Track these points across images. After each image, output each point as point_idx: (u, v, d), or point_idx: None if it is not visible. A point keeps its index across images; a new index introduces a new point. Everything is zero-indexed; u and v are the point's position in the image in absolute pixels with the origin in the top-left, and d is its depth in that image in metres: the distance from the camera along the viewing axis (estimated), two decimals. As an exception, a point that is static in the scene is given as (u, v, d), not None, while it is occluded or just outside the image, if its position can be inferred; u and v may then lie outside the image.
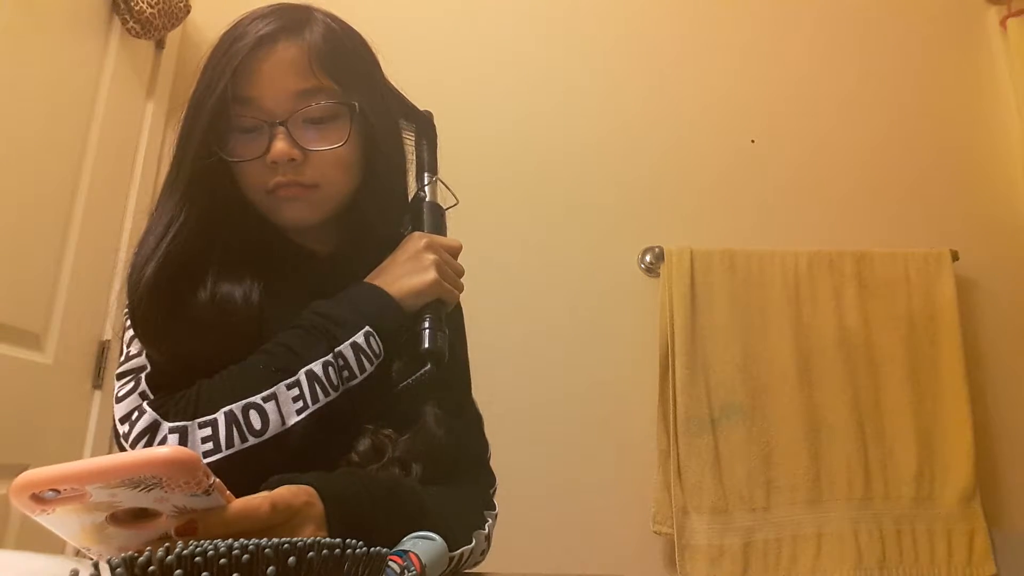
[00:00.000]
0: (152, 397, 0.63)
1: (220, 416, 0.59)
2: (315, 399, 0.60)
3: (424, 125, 0.81)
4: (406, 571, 0.53)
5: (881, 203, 1.81)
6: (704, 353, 1.62)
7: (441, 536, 0.55)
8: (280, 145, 0.66)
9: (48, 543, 1.41)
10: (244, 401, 0.59)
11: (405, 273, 0.68)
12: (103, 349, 1.56)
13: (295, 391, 0.59)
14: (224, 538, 0.41)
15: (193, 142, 0.67)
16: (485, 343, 1.72)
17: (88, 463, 0.39)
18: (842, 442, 1.58)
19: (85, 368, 1.52)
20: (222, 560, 0.42)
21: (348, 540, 0.47)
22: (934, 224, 1.79)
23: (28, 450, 1.34)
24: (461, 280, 0.73)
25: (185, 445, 0.59)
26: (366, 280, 0.68)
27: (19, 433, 1.32)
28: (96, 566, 0.39)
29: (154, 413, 0.60)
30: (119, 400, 0.63)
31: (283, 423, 0.59)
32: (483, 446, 0.78)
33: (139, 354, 0.66)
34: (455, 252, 0.74)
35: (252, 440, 0.58)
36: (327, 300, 0.66)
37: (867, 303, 1.66)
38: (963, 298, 1.68)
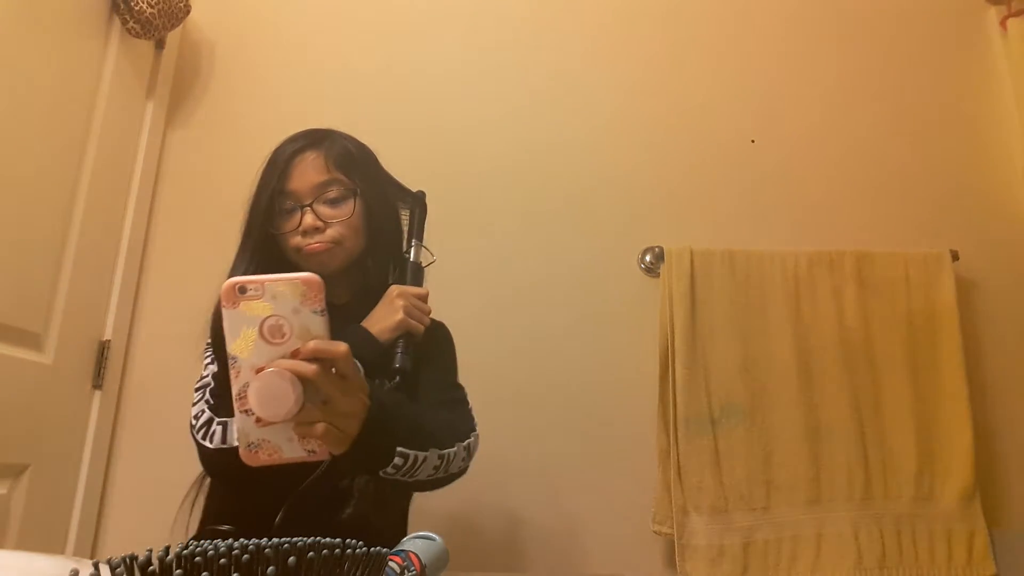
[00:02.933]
0: (212, 402, 0.91)
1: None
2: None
3: (415, 203, 1.08)
4: (406, 571, 0.53)
5: (881, 203, 1.81)
6: (704, 353, 1.62)
7: (431, 432, 0.80)
8: (308, 219, 0.97)
9: (48, 543, 1.41)
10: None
11: (382, 316, 0.96)
12: (103, 349, 1.56)
13: None
14: (308, 357, 0.59)
15: (256, 221, 0.99)
16: (485, 343, 1.73)
17: (268, 275, 0.59)
18: (842, 442, 1.57)
19: (85, 368, 1.52)
20: (222, 560, 0.42)
21: (348, 540, 0.47)
22: (934, 224, 1.79)
23: (28, 450, 1.35)
24: (428, 317, 1.00)
25: (226, 435, 0.87)
26: (360, 324, 0.96)
27: (19, 433, 1.32)
28: (96, 566, 0.39)
29: (211, 413, 0.91)
30: (194, 404, 0.93)
31: None
32: (462, 414, 1.00)
33: (209, 375, 0.94)
34: (423, 297, 1.01)
35: None
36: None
37: (867, 303, 1.66)
38: (963, 298, 1.68)
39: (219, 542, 0.44)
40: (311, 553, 0.44)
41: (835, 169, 1.83)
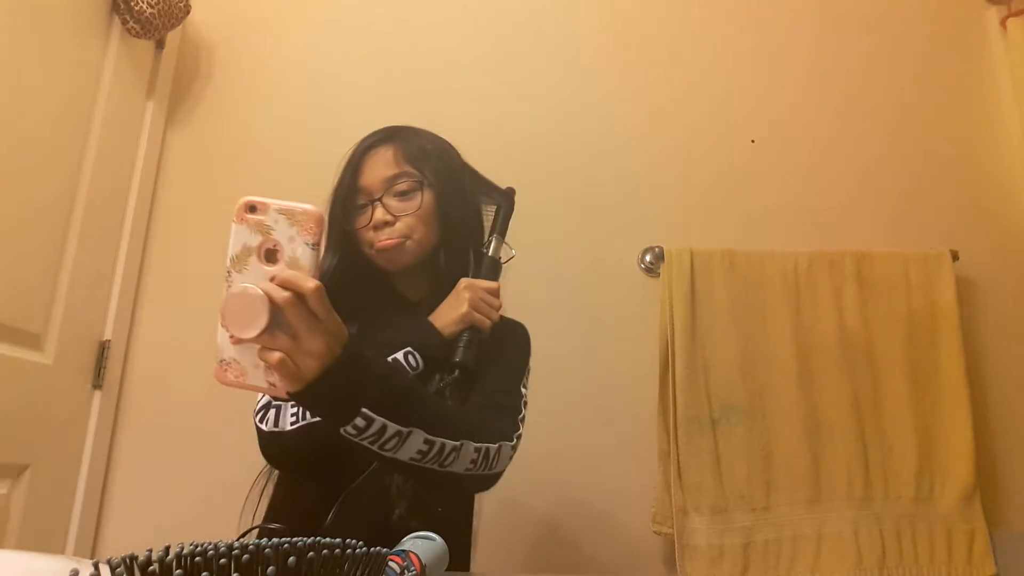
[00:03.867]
0: None
1: None
2: None
3: (503, 199, 1.08)
4: (406, 571, 0.53)
5: (881, 203, 1.81)
6: (704, 353, 1.62)
7: (454, 429, 0.79)
8: (377, 213, 0.97)
9: (48, 543, 1.41)
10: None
11: (448, 309, 0.95)
12: (103, 349, 1.56)
13: None
14: (281, 285, 0.59)
15: (335, 220, 1.00)
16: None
17: (278, 200, 0.60)
18: (842, 442, 1.57)
19: (85, 368, 1.52)
20: (222, 560, 0.42)
21: (348, 540, 0.47)
22: (934, 224, 1.79)
23: (28, 450, 1.35)
24: (497, 312, 0.99)
25: (278, 416, 0.88)
26: (428, 317, 0.95)
27: (19, 433, 1.32)
28: (96, 566, 0.39)
29: (268, 398, 0.90)
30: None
31: None
32: (503, 419, 0.94)
33: None
34: (493, 291, 0.99)
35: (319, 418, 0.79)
36: (397, 329, 0.93)
37: (867, 303, 1.66)
38: (963, 298, 1.68)
39: (219, 542, 0.44)
40: (311, 553, 0.44)
41: (835, 169, 1.83)
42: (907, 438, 1.58)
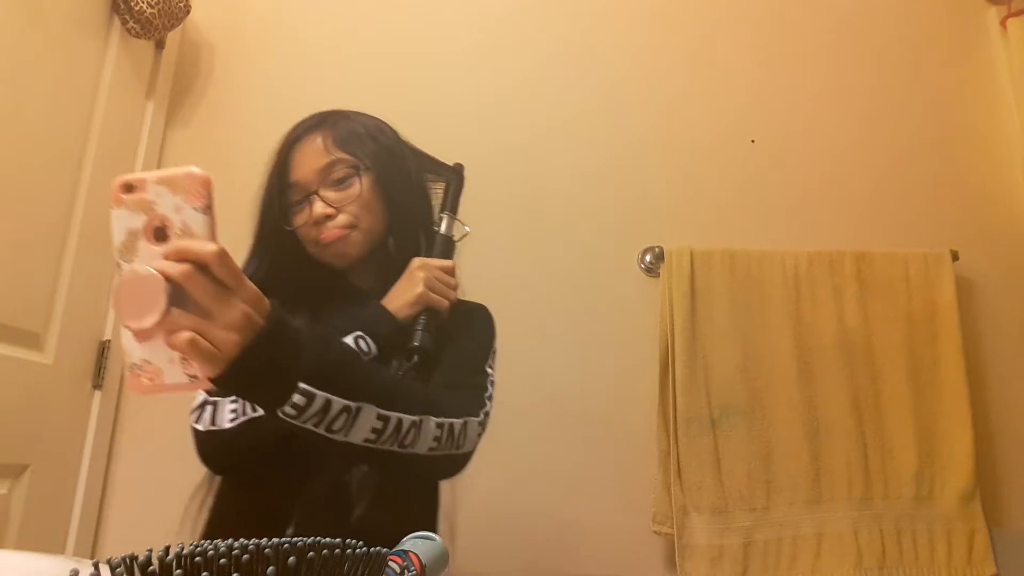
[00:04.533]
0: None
1: None
2: None
3: (452, 175, 1.02)
4: (406, 571, 0.53)
5: (881, 203, 1.81)
6: (704, 353, 1.62)
7: (411, 402, 0.72)
8: (317, 207, 0.90)
9: (48, 543, 1.41)
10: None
11: (401, 291, 0.89)
12: (103, 349, 1.56)
13: None
14: (175, 257, 0.53)
15: (267, 220, 0.94)
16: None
17: (155, 171, 0.54)
18: (842, 442, 1.58)
19: (85, 368, 1.52)
20: (222, 560, 0.42)
21: (348, 540, 0.47)
22: (934, 224, 1.79)
23: (28, 450, 1.35)
24: (454, 292, 0.93)
25: (215, 415, 0.81)
26: (380, 301, 0.89)
27: (19, 433, 1.32)
28: (96, 566, 0.39)
29: (204, 395, 0.85)
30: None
31: None
32: (475, 399, 0.89)
33: None
34: (448, 270, 0.93)
35: (260, 411, 0.74)
36: (346, 316, 0.86)
37: (867, 303, 1.66)
38: (963, 298, 1.68)
39: (219, 542, 0.44)
40: (311, 553, 0.44)
41: (835, 169, 1.83)
42: (907, 438, 1.58)
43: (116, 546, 1.53)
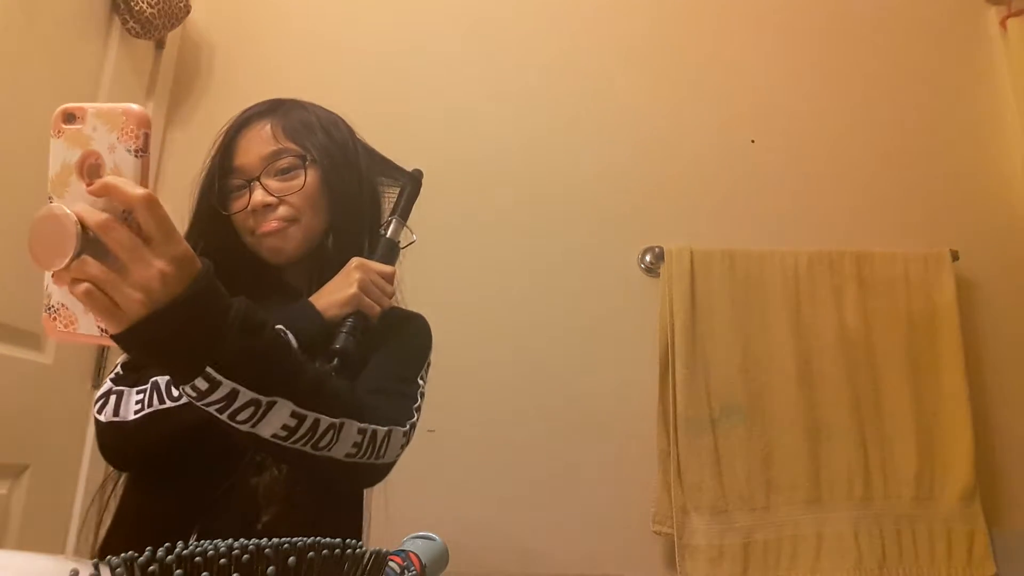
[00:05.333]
0: (120, 373, 0.80)
1: (148, 385, 0.75)
2: None
3: (408, 180, 0.97)
4: (406, 571, 0.53)
5: (881, 203, 1.81)
6: (704, 353, 1.62)
7: (334, 404, 0.68)
8: (257, 196, 0.86)
9: (48, 543, 1.41)
10: (168, 376, 0.73)
11: (333, 289, 0.84)
12: (103, 349, 1.56)
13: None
14: (100, 195, 0.48)
15: (203, 203, 0.89)
16: (484, 343, 1.72)
17: (98, 103, 0.50)
18: (842, 442, 1.58)
19: (85, 368, 1.52)
20: (222, 560, 0.42)
21: (348, 540, 0.47)
22: (934, 224, 1.79)
23: (28, 450, 1.35)
24: (389, 300, 0.88)
25: (120, 403, 0.76)
26: (309, 298, 0.84)
27: (19, 433, 1.32)
28: (96, 566, 0.39)
29: (110, 384, 0.79)
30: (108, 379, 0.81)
31: None
32: (404, 408, 0.83)
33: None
34: (387, 276, 0.88)
35: (169, 403, 0.73)
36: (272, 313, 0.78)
37: (867, 303, 1.66)
38: (963, 298, 1.68)
39: (219, 541, 0.44)
40: (311, 553, 0.44)
41: (835, 169, 1.83)
42: (907, 438, 1.58)
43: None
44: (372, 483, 0.78)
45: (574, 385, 1.66)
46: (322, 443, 0.67)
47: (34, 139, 1.33)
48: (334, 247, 0.89)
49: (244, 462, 0.77)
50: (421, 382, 0.89)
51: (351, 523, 0.88)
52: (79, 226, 0.48)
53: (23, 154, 1.31)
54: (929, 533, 1.54)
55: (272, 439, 0.64)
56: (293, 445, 0.65)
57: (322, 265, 0.89)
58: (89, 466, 1.50)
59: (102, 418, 0.77)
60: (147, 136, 0.50)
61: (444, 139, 1.78)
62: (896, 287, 1.68)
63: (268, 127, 0.89)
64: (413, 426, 0.81)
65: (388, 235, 0.92)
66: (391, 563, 0.52)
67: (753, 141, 1.84)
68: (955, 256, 1.71)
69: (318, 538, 0.46)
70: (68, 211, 0.48)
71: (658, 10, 1.92)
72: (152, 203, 0.50)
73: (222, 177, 0.89)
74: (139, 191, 0.49)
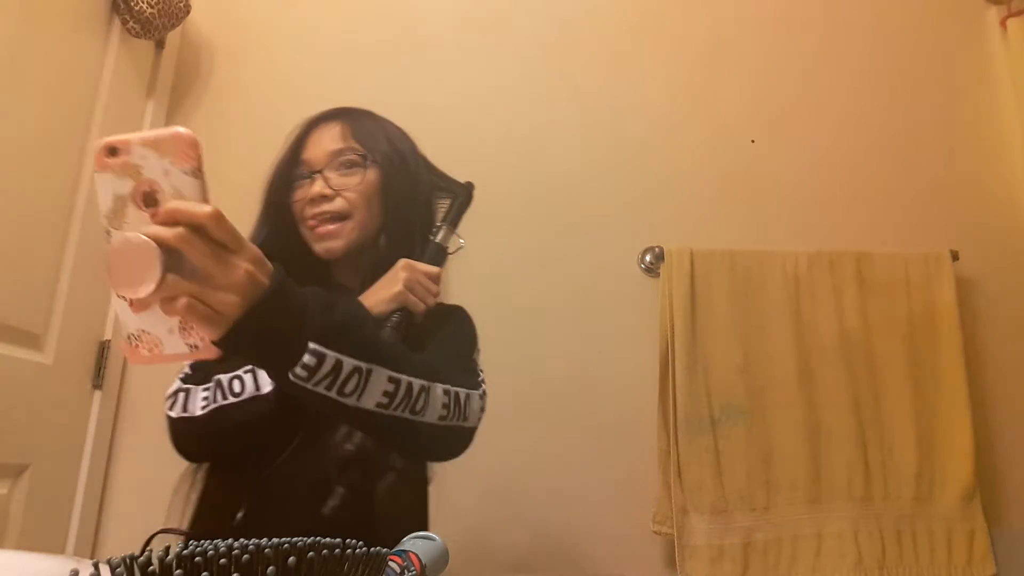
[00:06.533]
0: (189, 372, 0.87)
1: (212, 383, 0.82)
2: None
3: (461, 191, 1.02)
4: (406, 571, 0.53)
5: (881, 203, 1.81)
6: (704, 353, 1.62)
7: (416, 366, 0.71)
8: (316, 186, 0.92)
9: (48, 543, 1.41)
10: (231, 373, 0.81)
11: (381, 287, 0.88)
12: (103, 349, 1.56)
13: None
14: (168, 221, 0.50)
15: (273, 192, 0.96)
16: (484, 343, 1.72)
17: (138, 133, 0.52)
18: (842, 442, 1.58)
19: (85, 368, 1.52)
20: (222, 560, 0.42)
21: (348, 540, 0.47)
22: (934, 224, 1.79)
23: (28, 450, 1.35)
24: (434, 299, 0.92)
25: (188, 400, 0.83)
26: (360, 297, 0.88)
27: (19, 433, 1.32)
28: (96, 566, 0.39)
29: (179, 383, 0.86)
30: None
31: (256, 389, 0.79)
32: (473, 376, 0.89)
33: None
34: (433, 276, 0.92)
35: (231, 399, 0.80)
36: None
37: (867, 303, 1.66)
38: (963, 298, 1.68)
39: (219, 541, 0.44)
40: (311, 553, 0.44)
41: (835, 169, 1.83)
42: (907, 438, 1.58)
43: (116, 546, 1.53)
44: (462, 449, 0.80)
45: (573, 385, 1.66)
46: (418, 407, 0.70)
47: (34, 139, 1.34)
48: (386, 248, 0.94)
49: (307, 447, 0.81)
50: (477, 364, 0.94)
51: (421, 512, 0.96)
52: (158, 247, 0.49)
53: (23, 154, 1.31)
54: (929, 533, 1.54)
55: (377, 409, 0.66)
56: (394, 412, 0.68)
57: (374, 263, 0.92)
58: (89, 466, 1.50)
59: (173, 414, 0.83)
60: (200, 156, 0.52)
61: (444, 139, 1.78)
62: (896, 287, 1.68)
63: (338, 128, 0.95)
64: (485, 394, 0.85)
65: (438, 240, 0.97)
66: (391, 563, 0.52)
67: (753, 141, 1.84)
68: (955, 256, 1.71)
69: (318, 539, 0.46)
70: (144, 237, 0.49)
71: (658, 10, 1.92)
72: (220, 216, 0.53)
73: (289, 167, 0.95)
74: (207, 209, 0.52)
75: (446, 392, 0.75)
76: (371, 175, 0.93)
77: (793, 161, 1.83)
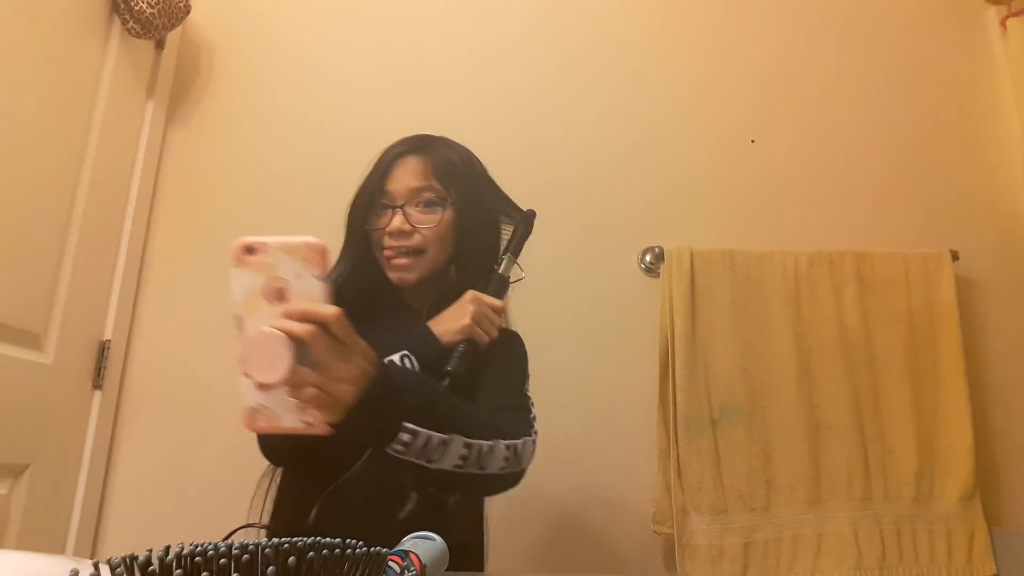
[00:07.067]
0: None
1: None
2: None
3: (522, 220, 1.07)
4: (406, 571, 0.53)
5: (881, 203, 1.81)
6: (704, 353, 1.62)
7: (454, 414, 0.79)
8: (396, 221, 0.97)
9: (48, 543, 1.41)
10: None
11: (449, 318, 0.95)
12: (103, 349, 1.56)
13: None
14: (299, 318, 0.58)
15: (357, 219, 1.01)
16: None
17: (274, 237, 0.59)
18: (842, 442, 1.58)
19: (85, 368, 1.52)
20: (222, 560, 0.42)
21: (348, 540, 0.47)
22: (934, 224, 1.79)
23: (28, 450, 1.35)
24: (496, 331, 0.98)
25: None
26: (426, 323, 0.95)
27: (19, 433, 1.32)
28: (96, 566, 0.39)
29: None
30: None
31: None
32: (517, 417, 0.96)
33: None
34: (498, 309, 0.99)
35: None
36: (395, 333, 0.93)
37: (867, 303, 1.66)
38: (963, 298, 1.68)
39: (219, 542, 0.44)
40: (311, 553, 0.44)
41: (835, 169, 1.83)
42: (907, 438, 1.58)
43: (116, 546, 1.53)
44: (513, 486, 0.89)
45: (573, 385, 1.66)
46: (484, 464, 0.80)
47: (34, 139, 1.34)
48: (456, 277, 1.01)
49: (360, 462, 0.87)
50: (528, 394, 1.02)
51: (478, 516, 1.06)
52: (290, 342, 0.57)
53: (23, 154, 1.31)
54: (929, 533, 1.54)
55: (452, 469, 0.76)
56: (466, 470, 0.78)
57: (444, 290, 1.00)
58: (89, 466, 1.50)
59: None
60: (327, 263, 0.60)
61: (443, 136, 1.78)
62: (896, 287, 1.68)
63: (421, 163, 1.00)
64: (536, 433, 0.94)
65: (500, 271, 1.03)
66: (391, 563, 0.52)
67: (753, 141, 1.84)
68: (955, 256, 1.71)
69: (318, 538, 0.46)
70: (278, 332, 0.57)
71: (658, 10, 1.92)
72: (342, 317, 0.61)
73: (373, 194, 1.00)
74: (332, 310, 0.60)
75: (508, 447, 0.85)
76: (448, 215, 0.99)
77: (793, 161, 1.83)
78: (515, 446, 0.86)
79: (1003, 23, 1.90)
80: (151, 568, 0.40)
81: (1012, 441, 1.67)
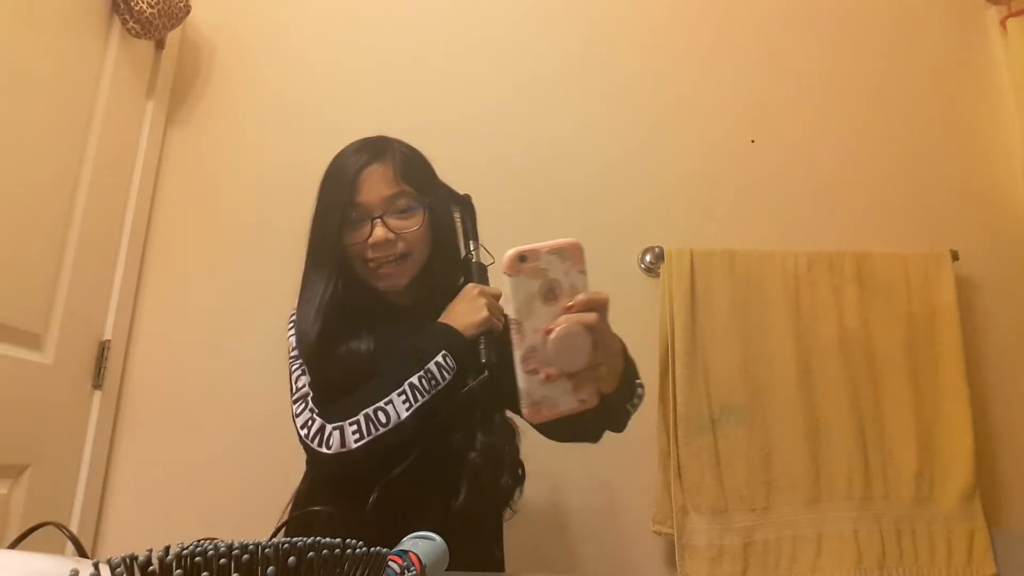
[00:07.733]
0: (317, 410, 0.93)
1: (360, 417, 0.90)
2: (416, 399, 0.91)
3: (466, 205, 1.09)
4: (406, 571, 0.53)
5: (881, 203, 1.81)
6: (704, 353, 1.62)
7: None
8: (378, 232, 0.98)
9: (48, 543, 1.41)
10: (374, 406, 0.90)
11: (464, 312, 0.97)
12: (103, 349, 1.56)
13: (403, 396, 0.90)
14: (584, 308, 0.67)
15: (329, 236, 0.99)
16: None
17: (540, 244, 0.65)
18: (842, 442, 1.57)
19: (85, 368, 1.52)
20: (222, 560, 0.42)
21: (348, 540, 0.47)
22: (934, 224, 1.79)
23: (28, 450, 1.35)
24: (504, 317, 0.99)
25: (343, 439, 0.89)
26: (439, 320, 0.98)
27: (19, 433, 1.32)
28: (96, 566, 0.39)
29: (321, 420, 0.92)
30: (298, 415, 0.94)
31: (399, 417, 0.90)
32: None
33: (304, 385, 0.96)
34: (498, 297, 1.01)
35: (381, 429, 0.89)
36: (417, 335, 0.96)
37: (867, 303, 1.66)
38: (963, 298, 1.68)
39: (219, 542, 0.44)
40: (311, 553, 0.44)
41: (835, 169, 1.83)
42: (907, 438, 1.58)
43: (116, 546, 1.53)
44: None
45: (574, 385, 1.66)
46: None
47: (34, 139, 1.34)
48: (440, 269, 1.04)
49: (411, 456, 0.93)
50: None
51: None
52: (590, 332, 0.66)
53: (23, 154, 1.31)
54: (929, 533, 1.54)
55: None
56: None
57: (431, 284, 1.04)
58: (89, 466, 1.50)
59: (328, 451, 0.89)
60: (584, 256, 0.67)
61: (444, 138, 1.78)
62: (896, 287, 1.68)
63: (389, 170, 1.00)
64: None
65: (479, 259, 1.05)
66: (391, 563, 0.52)
67: (753, 141, 1.84)
68: (955, 256, 1.71)
69: (318, 538, 0.46)
70: (579, 326, 0.65)
71: (659, 12, 1.92)
72: (608, 302, 0.70)
73: (344, 210, 0.99)
74: (605, 295, 0.70)
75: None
76: (425, 215, 1.01)
77: (793, 161, 1.83)
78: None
79: (1003, 23, 1.90)
80: (151, 568, 0.40)
81: (1012, 441, 1.67)
